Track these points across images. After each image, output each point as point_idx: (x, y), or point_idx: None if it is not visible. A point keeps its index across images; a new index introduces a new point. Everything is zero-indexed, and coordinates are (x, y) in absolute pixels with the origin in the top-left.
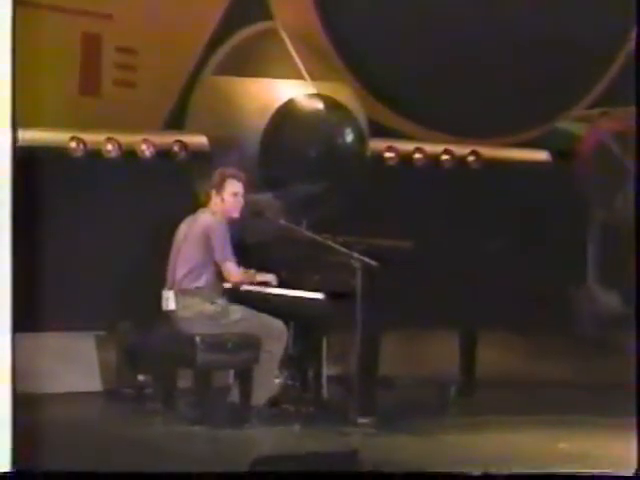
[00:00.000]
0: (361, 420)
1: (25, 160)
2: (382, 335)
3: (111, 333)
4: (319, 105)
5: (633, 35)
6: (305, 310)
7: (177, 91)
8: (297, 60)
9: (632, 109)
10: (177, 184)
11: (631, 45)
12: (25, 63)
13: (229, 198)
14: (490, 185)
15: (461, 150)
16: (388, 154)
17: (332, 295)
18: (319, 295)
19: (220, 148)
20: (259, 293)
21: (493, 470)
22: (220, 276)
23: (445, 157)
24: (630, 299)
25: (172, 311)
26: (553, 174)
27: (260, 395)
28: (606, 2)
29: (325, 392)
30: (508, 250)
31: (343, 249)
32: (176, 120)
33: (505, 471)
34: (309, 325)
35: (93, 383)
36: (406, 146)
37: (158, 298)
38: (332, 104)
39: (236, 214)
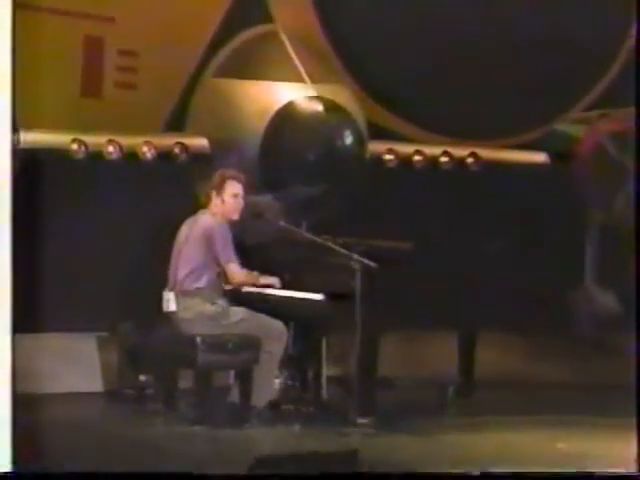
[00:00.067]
0: (361, 420)
1: (27, 161)
2: (381, 336)
3: (112, 334)
4: (319, 107)
5: (631, 37)
6: (305, 311)
7: (178, 93)
8: (297, 63)
9: (630, 110)
10: (178, 186)
11: (629, 47)
12: (27, 65)
13: (229, 199)
14: (489, 187)
15: (460, 152)
16: (387, 156)
17: (332, 296)
18: (319, 296)
19: (220, 150)
20: (259, 294)
21: (492, 470)
22: (220, 277)
23: (444, 159)
24: (627, 300)
25: (173, 312)
26: (551, 176)
27: (260, 395)
28: (604, 4)
29: (325, 392)
30: (507, 251)
31: (343, 250)
32: (177, 122)
33: (503, 471)
34: (309, 326)
35: (94, 384)
36: (405, 148)
37: (159, 299)
38: (332, 106)
39: (236, 216)
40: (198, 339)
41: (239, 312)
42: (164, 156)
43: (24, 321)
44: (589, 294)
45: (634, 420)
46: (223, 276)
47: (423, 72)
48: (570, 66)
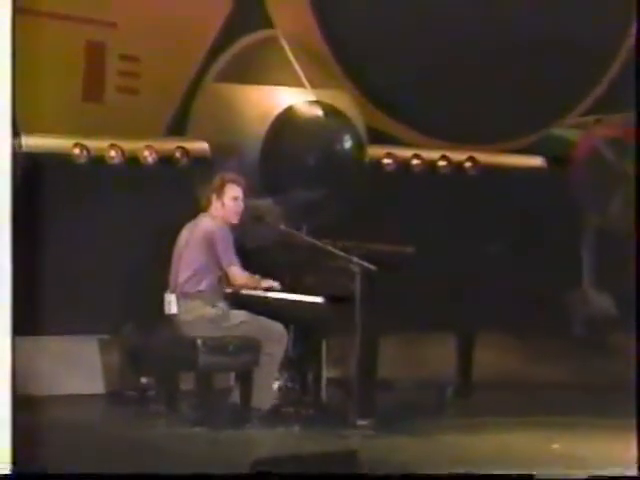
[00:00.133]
0: (360, 422)
1: (29, 165)
2: (381, 338)
3: (114, 336)
4: (318, 112)
5: (629, 39)
6: (305, 313)
7: (179, 98)
8: (297, 68)
9: (626, 115)
10: (179, 190)
11: (627, 49)
12: (29, 70)
13: (229, 202)
14: (486, 190)
15: (458, 156)
16: (386, 160)
17: (331, 299)
18: (319, 299)
19: (221, 154)
20: (260, 297)
21: (490, 471)
22: (221, 280)
23: (442, 163)
24: (623, 302)
25: (174, 314)
26: (548, 180)
27: (260, 397)
28: (602, 11)
29: (324, 394)
30: (504, 254)
31: (342, 254)
32: (178, 126)
33: (502, 472)
34: (309, 328)
35: (96, 385)
36: (404, 152)
37: (160, 302)
38: (331, 111)
39: (236, 219)
40: (199, 341)
41: (240, 315)
42: (165, 160)
43: (27, 324)
44: (585, 296)
45: (632, 421)
46: (224, 279)
47: (421, 77)
48: (568, 70)
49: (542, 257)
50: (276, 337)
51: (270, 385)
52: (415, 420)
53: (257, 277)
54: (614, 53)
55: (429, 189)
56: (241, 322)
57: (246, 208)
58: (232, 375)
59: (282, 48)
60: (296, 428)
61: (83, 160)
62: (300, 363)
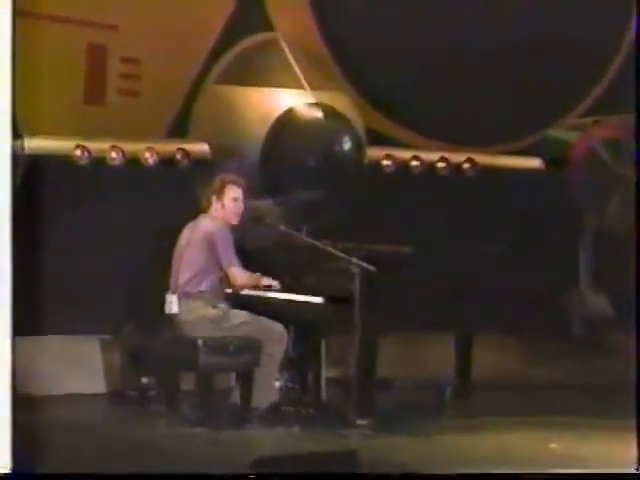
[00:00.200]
0: (359, 422)
1: (31, 167)
2: (380, 338)
3: (115, 336)
4: (318, 114)
5: (627, 40)
6: (305, 314)
7: (180, 100)
8: (297, 70)
9: (623, 117)
10: (180, 191)
11: (625, 51)
12: (31, 73)
13: (229, 203)
14: (485, 192)
15: (457, 158)
16: (385, 162)
17: (331, 299)
18: (319, 299)
19: (222, 156)
20: (260, 297)
21: (489, 471)
22: (222, 280)
23: (441, 164)
24: (621, 302)
25: (175, 315)
26: (546, 181)
27: (261, 397)
28: (602, 10)
29: (324, 394)
30: (503, 255)
31: (342, 255)
32: (179, 128)
33: (501, 472)
34: (309, 328)
35: (98, 385)
36: (403, 154)
37: (161, 302)
38: (331, 113)
39: (236, 220)
40: (200, 341)
41: (240, 315)
42: (166, 162)
43: (29, 324)
44: (583, 297)
45: (630, 421)
46: (225, 279)
47: (420, 79)
48: (566, 71)
49: (540, 258)
50: (276, 337)
51: (270, 385)
52: (414, 420)
53: (257, 275)
54: (613, 53)
55: (428, 190)
56: (242, 322)
57: (246, 209)
58: (232, 375)
59: (282, 50)
60: (296, 428)
61: (84, 161)
62: (300, 363)
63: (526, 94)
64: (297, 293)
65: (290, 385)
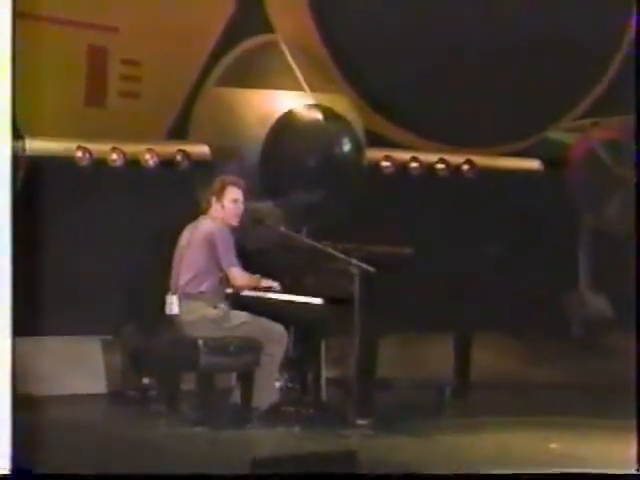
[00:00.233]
0: (359, 421)
1: (33, 168)
2: (380, 338)
3: (116, 337)
4: (318, 116)
5: (625, 42)
6: (305, 315)
7: (180, 102)
8: (297, 72)
9: (622, 118)
10: (180, 192)
11: (623, 52)
12: (33, 75)
13: (229, 205)
14: (484, 193)
15: (455, 159)
16: (385, 163)
17: (331, 300)
18: (318, 300)
19: (222, 157)
20: (260, 298)
21: (488, 470)
22: (222, 281)
23: (440, 166)
24: (620, 303)
25: (176, 315)
26: (545, 182)
27: (261, 397)
28: (600, 15)
29: (324, 394)
30: (502, 256)
31: (342, 256)
32: (179, 130)
33: (501, 472)
34: (309, 329)
35: (99, 385)
36: (402, 155)
37: (162, 303)
38: (331, 115)
39: (235, 221)
40: (200, 342)
41: (240, 315)
42: (166, 163)
43: (31, 324)
44: (582, 297)
45: (629, 421)
46: (225, 280)
47: (419, 81)
48: (566, 72)
49: (540, 258)
50: (276, 338)
51: (270, 385)
52: (414, 420)
53: (257, 276)
54: (613, 52)
55: (427, 192)
56: (242, 323)
57: (246, 210)
58: (233, 375)
59: (282, 52)
60: (296, 428)
61: (85, 163)
62: (300, 363)
63: (525, 95)
64: (297, 294)
65: (290, 385)
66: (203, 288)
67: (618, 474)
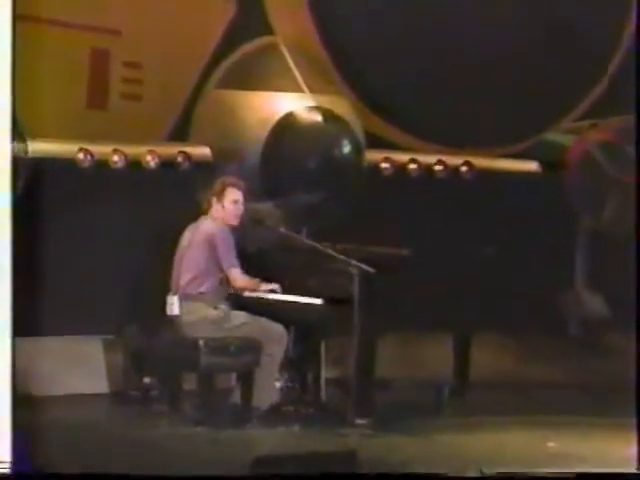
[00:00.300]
0: (359, 421)
1: (35, 170)
2: (379, 339)
3: (118, 337)
4: (318, 117)
5: (623, 43)
6: (305, 315)
7: (181, 104)
8: (297, 74)
9: (619, 120)
10: (181, 193)
11: (621, 53)
12: (36, 77)
13: (229, 205)
14: (482, 194)
15: (454, 161)
16: (384, 164)
17: (331, 300)
18: (318, 301)
19: (223, 159)
20: (260, 299)
21: (487, 470)
22: (223, 282)
23: (438, 167)
24: (616, 303)
25: (176, 316)
26: (543, 184)
27: (261, 397)
28: (599, 13)
29: (324, 394)
30: (500, 257)
31: (341, 257)
32: (180, 132)
33: (500, 472)
34: (308, 329)
35: (100, 385)
36: (401, 157)
37: (163, 303)
38: (330, 116)
39: (235, 221)
40: (201, 342)
41: (241, 316)
42: (167, 165)
43: (33, 325)
44: (579, 297)
45: (626, 419)
46: (225, 281)
47: (418, 83)
48: (564, 74)
49: (537, 259)
50: (276, 338)
51: (271, 385)
52: (413, 419)
53: (257, 280)
54: (613, 50)
55: (426, 193)
56: (242, 323)
57: (247, 211)
58: (233, 375)
59: (282, 55)
60: (296, 427)
61: (87, 164)
62: (300, 363)
63: (523, 97)
64: (297, 294)
65: (290, 385)
66: (203, 289)
67: (618, 473)
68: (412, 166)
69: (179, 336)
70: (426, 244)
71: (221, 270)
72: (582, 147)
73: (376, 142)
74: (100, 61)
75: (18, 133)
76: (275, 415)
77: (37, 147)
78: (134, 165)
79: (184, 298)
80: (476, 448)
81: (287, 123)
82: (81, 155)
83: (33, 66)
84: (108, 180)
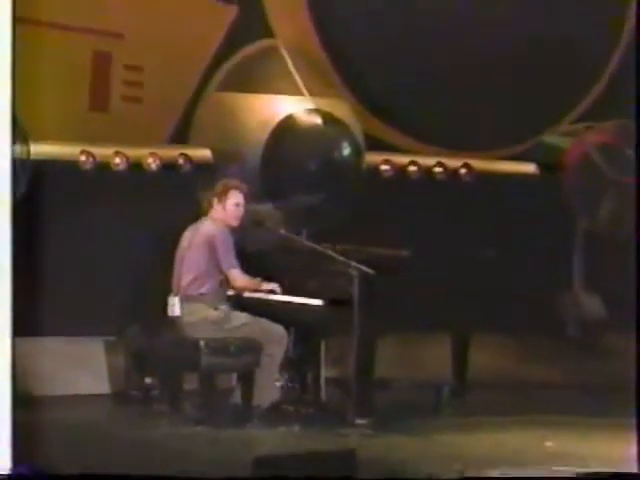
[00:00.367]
0: (358, 421)
1: (37, 172)
2: (378, 339)
3: (119, 338)
4: (318, 120)
5: (618, 54)
6: (305, 316)
7: (182, 106)
8: (297, 77)
9: (616, 122)
10: (182, 195)
11: (615, 64)
12: (38, 80)
13: (231, 208)
14: (481, 196)
15: (453, 163)
16: (384, 167)
17: (331, 301)
18: (318, 301)
19: (223, 161)
20: (261, 299)
21: (487, 469)
22: (223, 283)
23: (438, 169)
24: (614, 304)
25: (177, 317)
26: (541, 185)
27: (261, 397)
28: (598, 13)
29: (324, 394)
30: (499, 258)
31: (341, 258)
32: (181, 134)
33: (500, 472)
34: (308, 330)
35: (102, 386)
36: (401, 159)
37: (164, 304)
38: (330, 119)
39: (236, 222)
40: (202, 343)
41: (241, 317)
42: (169, 167)
43: (35, 325)
44: (577, 299)
45: (623, 419)
46: (226, 282)
47: (418, 86)
48: (563, 76)
49: (535, 260)
50: (276, 338)
51: (271, 385)
52: (412, 419)
53: (258, 280)
54: (612, 51)
55: (425, 195)
56: (242, 324)
57: (247, 213)
58: (234, 376)
59: (282, 58)
60: (296, 427)
61: (89, 166)
62: (300, 364)
63: (523, 99)
64: (297, 295)
65: (290, 385)
66: (204, 290)
67: (617, 473)
68: (412, 168)
69: (180, 337)
70: (426, 245)
71: (221, 272)
72: (580, 149)
73: (376, 144)
74: (102, 64)
75: (20, 135)
76: (275, 415)
77: (39, 149)
78: (135, 167)
79: (185, 299)
80: (475, 448)
81: (287, 125)
82: (83, 157)
83: (35, 69)
84: (110, 182)
